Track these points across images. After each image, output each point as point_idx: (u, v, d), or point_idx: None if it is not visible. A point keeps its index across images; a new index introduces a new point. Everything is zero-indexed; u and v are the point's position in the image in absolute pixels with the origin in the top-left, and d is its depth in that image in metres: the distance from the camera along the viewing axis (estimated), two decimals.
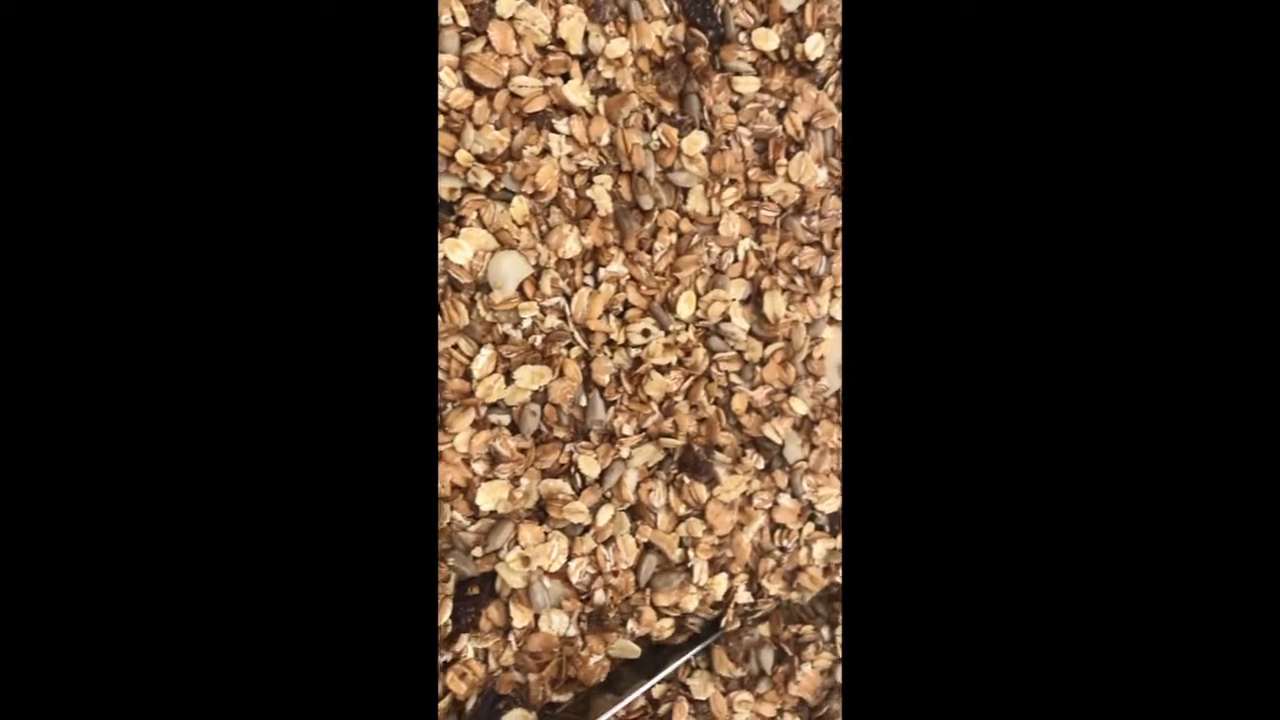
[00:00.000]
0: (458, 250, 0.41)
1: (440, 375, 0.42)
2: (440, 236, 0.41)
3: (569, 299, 0.44)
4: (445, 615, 0.41)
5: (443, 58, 0.41)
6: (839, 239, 0.48)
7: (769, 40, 0.47)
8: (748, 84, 0.47)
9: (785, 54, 0.47)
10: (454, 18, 0.41)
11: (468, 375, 0.42)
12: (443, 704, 0.41)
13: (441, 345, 0.42)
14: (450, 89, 0.41)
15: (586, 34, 0.44)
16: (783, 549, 0.48)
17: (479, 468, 0.42)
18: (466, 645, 0.41)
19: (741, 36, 0.47)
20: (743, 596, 0.47)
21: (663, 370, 0.46)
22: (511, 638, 0.42)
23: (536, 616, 0.42)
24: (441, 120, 0.41)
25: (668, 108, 0.46)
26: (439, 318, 0.41)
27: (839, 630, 0.48)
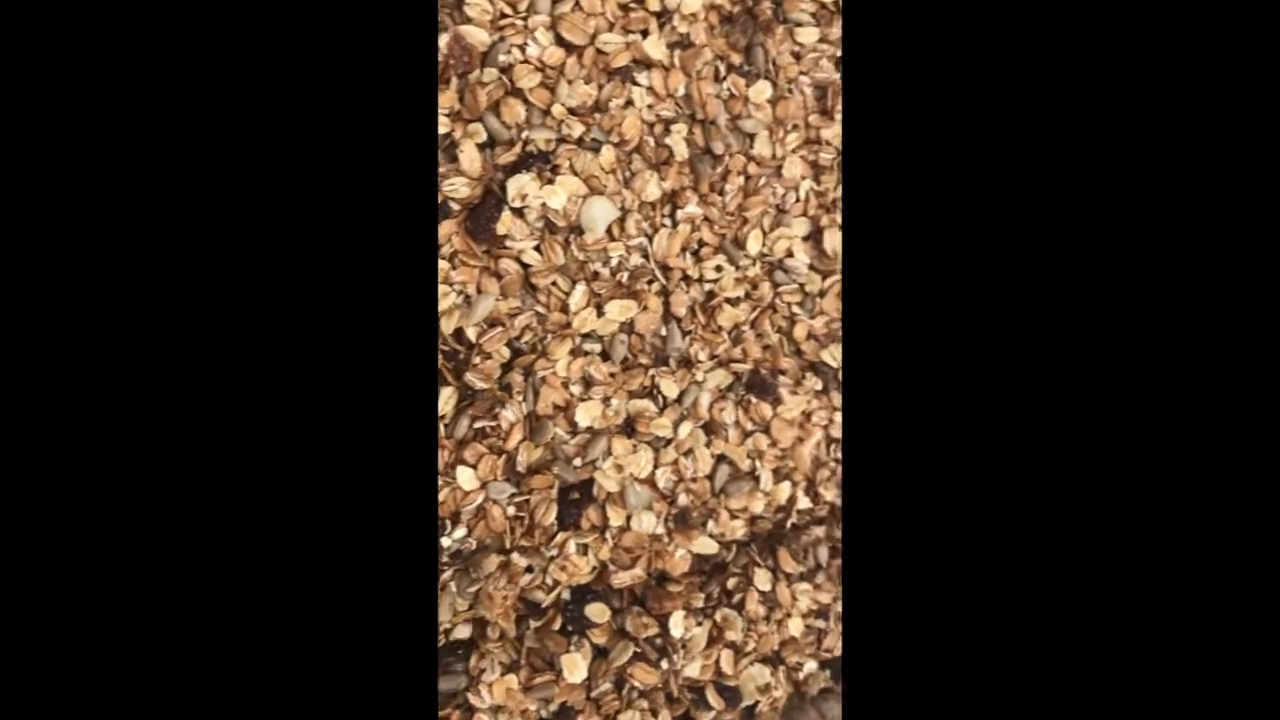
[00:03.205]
0: (554, 196, 0.46)
1: (540, 309, 0.47)
2: (539, 184, 0.46)
3: (650, 239, 0.49)
4: (550, 518, 0.47)
5: (536, 19, 0.45)
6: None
7: None
8: (808, 34, 0.50)
9: (844, 4, 0.51)
10: None
11: (564, 308, 0.47)
12: (550, 595, 0.48)
13: (542, 282, 0.47)
14: (544, 47, 0.45)
15: None
16: (838, 461, 0.54)
17: (575, 390, 0.48)
18: (569, 542, 0.48)
19: None
20: (803, 503, 0.53)
21: (733, 303, 0.51)
22: (608, 535, 0.48)
23: (629, 516, 0.48)
24: (539, 77, 0.45)
25: (736, 59, 0.50)
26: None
27: None
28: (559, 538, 0.47)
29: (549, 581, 0.47)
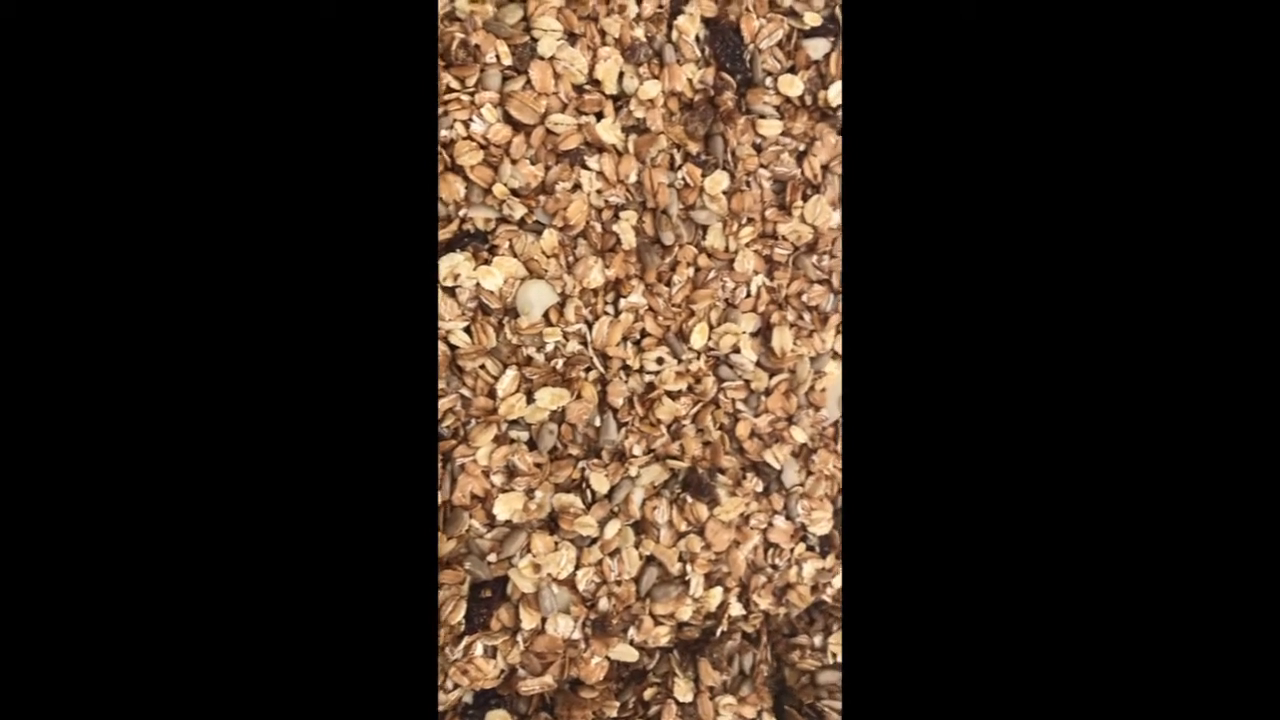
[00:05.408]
0: (489, 277, 0.44)
1: (465, 392, 0.45)
2: (473, 264, 0.44)
3: (590, 326, 0.46)
4: (459, 616, 0.44)
5: (484, 95, 0.44)
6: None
7: (794, 86, 0.49)
8: (771, 127, 0.49)
9: (809, 99, 0.50)
10: (497, 57, 0.44)
11: (492, 393, 0.45)
12: (449, 698, 0.45)
13: (469, 365, 0.44)
14: (490, 124, 0.44)
15: (621, 75, 0.46)
16: (774, 567, 0.52)
17: (497, 480, 0.45)
18: (476, 643, 0.44)
19: (768, 81, 0.49)
20: (735, 609, 0.51)
21: (673, 396, 0.48)
22: (519, 638, 0.45)
23: (544, 619, 0.45)
24: (480, 155, 0.43)
25: (693, 148, 0.48)
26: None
27: None
28: (466, 640, 0.44)
29: (449, 684, 0.44)
